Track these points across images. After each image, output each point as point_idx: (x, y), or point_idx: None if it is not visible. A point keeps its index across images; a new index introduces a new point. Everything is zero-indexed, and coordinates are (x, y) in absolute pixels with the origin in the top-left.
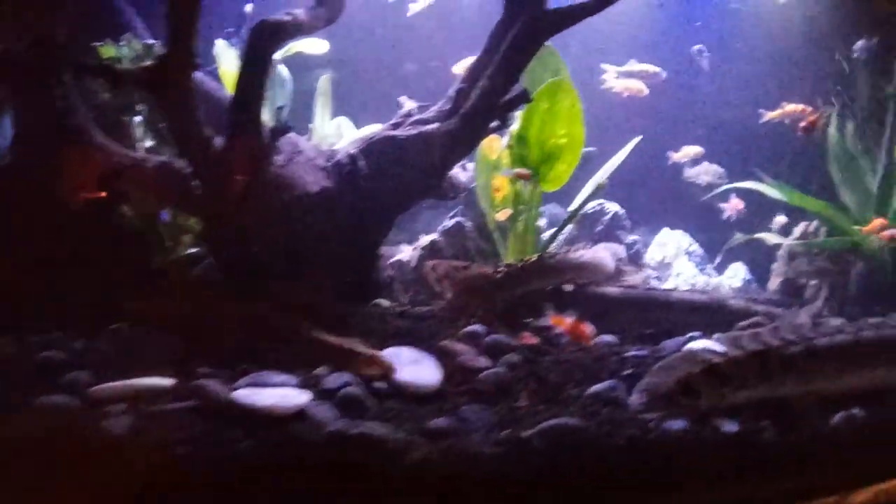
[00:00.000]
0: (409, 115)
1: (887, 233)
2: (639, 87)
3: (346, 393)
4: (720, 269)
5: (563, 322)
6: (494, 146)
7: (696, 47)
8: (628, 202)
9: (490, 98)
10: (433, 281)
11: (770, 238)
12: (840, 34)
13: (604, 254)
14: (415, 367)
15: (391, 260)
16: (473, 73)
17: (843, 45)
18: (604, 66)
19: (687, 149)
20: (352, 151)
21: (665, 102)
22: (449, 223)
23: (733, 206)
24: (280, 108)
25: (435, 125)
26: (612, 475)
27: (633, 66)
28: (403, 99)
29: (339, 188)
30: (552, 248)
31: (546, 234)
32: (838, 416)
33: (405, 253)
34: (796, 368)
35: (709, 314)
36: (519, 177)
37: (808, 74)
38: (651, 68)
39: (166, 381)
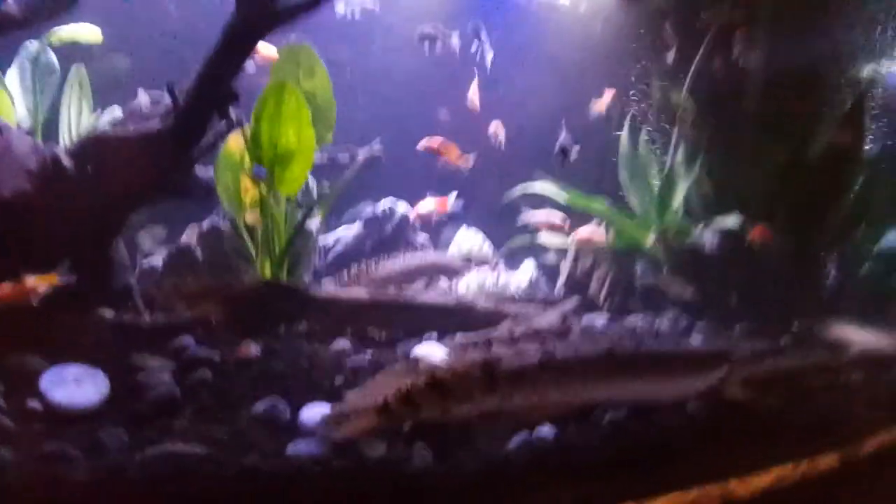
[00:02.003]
0: (137, 110)
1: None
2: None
3: None
4: (513, 266)
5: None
6: (238, 145)
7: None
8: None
9: (200, 96)
10: (161, 301)
11: (549, 240)
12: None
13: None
14: (74, 387)
15: (144, 266)
16: None
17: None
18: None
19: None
20: (55, 151)
21: (460, 106)
22: (204, 224)
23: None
24: None
25: (154, 122)
26: None
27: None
28: (141, 91)
29: (39, 190)
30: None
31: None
32: (518, 438)
33: (158, 258)
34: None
35: (456, 317)
36: (253, 179)
37: (609, 80)
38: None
39: None
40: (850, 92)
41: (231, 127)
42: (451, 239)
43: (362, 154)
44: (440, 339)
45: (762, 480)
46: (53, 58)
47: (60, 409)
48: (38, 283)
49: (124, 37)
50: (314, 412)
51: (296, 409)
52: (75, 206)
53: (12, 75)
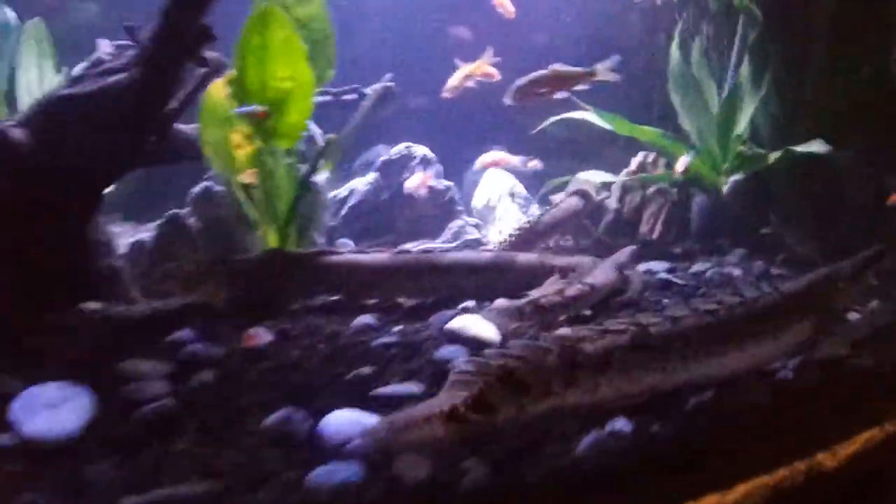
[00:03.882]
0: (98, 63)
1: None
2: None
3: None
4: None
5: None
6: (223, 95)
7: None
8: (452, 143)
9: (166, 38)
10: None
11: (591, 176)
12: None
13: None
14: (52, 413)
15: (131, 241)
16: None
17: None
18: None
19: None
20: (7, 123)
21: (490, 36)
22: (196, 189)
23: None
24: None
25: (120, 76)
26: None
27: None
28: (101, 41)
29: None
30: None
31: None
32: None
33: (146, 233)
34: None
35: (494, 275)
36: (252, 116)
37: None
38: None
39: None
40: None
41: (211, 73)
42: (477, 181)
43: (370, 90)
44: (479, 303)
45: (848, 449)
46: (11, 14)
47: (34, 443)
48: None
49: None
50: (340, 419)
51: (316, 415)
52: (35, 186)
53: None
